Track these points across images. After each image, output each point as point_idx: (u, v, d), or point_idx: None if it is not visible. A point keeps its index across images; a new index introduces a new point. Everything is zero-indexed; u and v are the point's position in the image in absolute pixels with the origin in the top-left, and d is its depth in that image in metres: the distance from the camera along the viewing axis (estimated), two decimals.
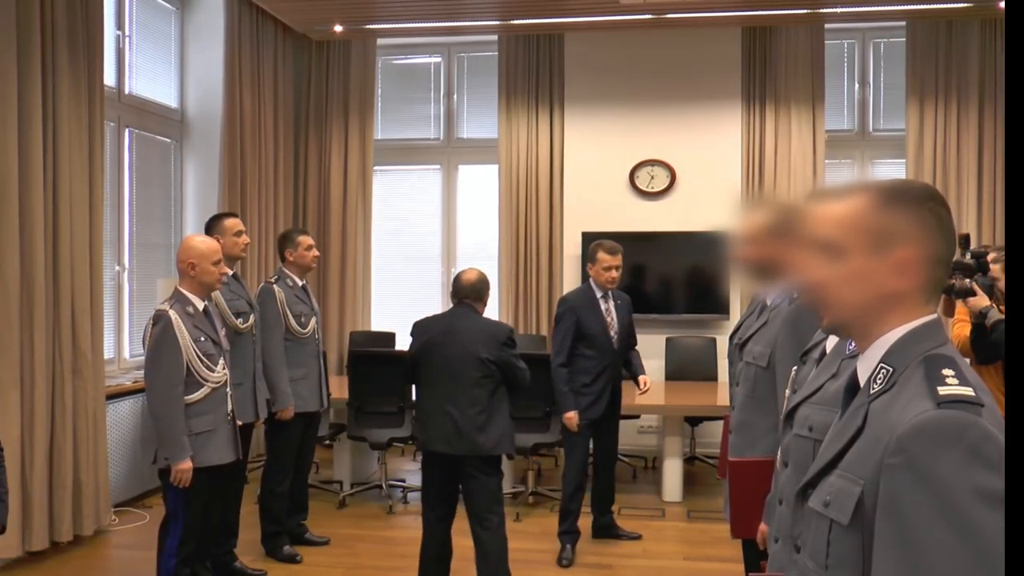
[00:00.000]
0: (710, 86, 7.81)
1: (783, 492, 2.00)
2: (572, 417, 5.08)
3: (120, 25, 6.40)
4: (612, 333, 5.22)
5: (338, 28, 7.79)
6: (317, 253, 5.29)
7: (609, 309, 5.24)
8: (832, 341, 2.06)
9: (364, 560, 5.14)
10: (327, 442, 6.61)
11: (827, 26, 7.63)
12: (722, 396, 6.35)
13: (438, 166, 8.53)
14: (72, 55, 5.20)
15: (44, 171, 4.98)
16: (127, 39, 6.49)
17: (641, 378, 5.43)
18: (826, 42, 7.65)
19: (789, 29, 7.62)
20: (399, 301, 8.37)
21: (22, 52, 4.83)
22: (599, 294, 5.22)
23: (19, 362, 4.85)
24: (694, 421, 7.12)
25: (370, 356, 6.35)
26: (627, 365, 5.44)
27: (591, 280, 5.25)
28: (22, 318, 4.86)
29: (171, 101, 7.15)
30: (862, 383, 1.44)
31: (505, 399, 4.22)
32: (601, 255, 5.16)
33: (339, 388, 6.28)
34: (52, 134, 5.06)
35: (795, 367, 2.31)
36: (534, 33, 7.93)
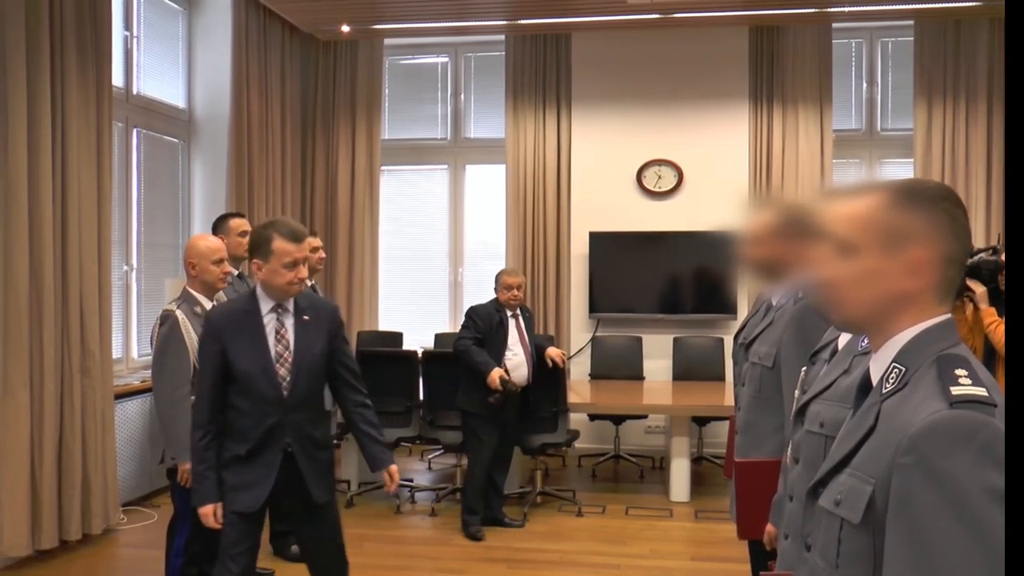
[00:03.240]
0: (717, 86, 7.80)
1: (793, 489, 2.00)
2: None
3: (128, 26, 6.42)
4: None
5: (345, 28, 7.80)
6: (323, 255, 5.27)
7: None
8: (845, 339, 2.06)
9: (371, 560, 5.14)
10: (335, 441, 6.60)
11: (835, 25, 7.61)
12: (729, 396, 6.32)
13: (445, 166, 8.54)
14: (80, 56, 5.21)
15: (53, 171, 5.01)
16: (135, 40, 6.51)
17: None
18: (834, 41, 7.64)
19: (797, 28, 7.61)
20: (406, 301, 8.38)
21: (31, 53, 4.86)
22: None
23: (28, 362, 4.87)
24: (701, 421, 7.12)
25: (377, 356, 6.36)
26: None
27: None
28: (31, 318, 4.88)
29: (179, 101, 7.16)
30: (875, 382, 1.44)
31: None
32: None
33: None
34: (61, 134, 5.08)
35: (804, 368, 2.31)
36: (541, 33, 7.93)
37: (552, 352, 5.84)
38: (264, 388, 3.20)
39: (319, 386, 3.41)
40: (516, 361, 5.67)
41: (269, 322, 3.24)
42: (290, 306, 3.30)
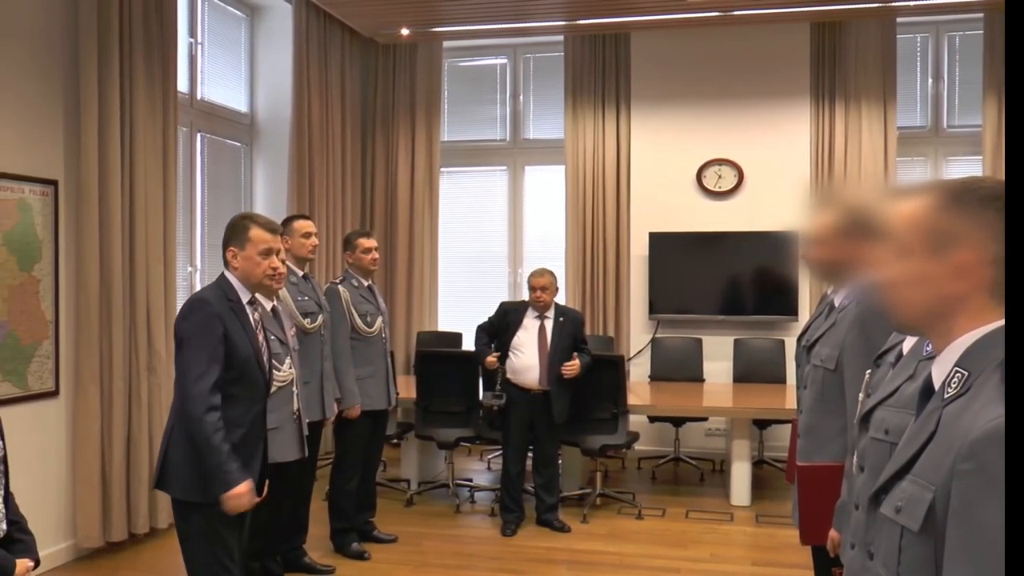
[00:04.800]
0: (778, 83, 7.70)
1: (859, 497, 1.97)
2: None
3: (193, 33, 6.55)
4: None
5: (405, 31, 7.86)
6: (376, 256, 5.28)
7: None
8: (910, 342, 2.02)
9: (431, 558, 5.18)
10: (395, 441, 6.67)
11: (899, 20, 7.45)
12: (791, 399, 6.25)
13: (504, 167, 8.56)
14: (148, 63, 5.34)
15: (121, 175, 5.15)
16: (199, 46, 6.64)
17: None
18: (898, 36, 7.47)
19: (859, 23, 7.47)
20: (465, 302, 8.42)
21: (102, 61, 5.01)
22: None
23: (99, 359, 5.03)
24: (762, 424, 7.02)
25: (437, 356, 6.39)
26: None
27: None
28: (101, 317, 5.04)
29: (241, 106, 7.29)
30: (936, 386, 1.41)
31: None
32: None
33: (406, 388, 6.33)
34: (129, 139, 5.22)
35: (869, 371, 2.26)
36: (600, 33, 7.90)
37: (565, 368, 5.63)
38: (255, 375, 3.22)
39: None
40: (523, 363, 5.63)
41: (251, 313, 3.28)
42: (258, 299, 3.38)
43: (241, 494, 3.03)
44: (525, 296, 5.81)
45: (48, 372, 4.91)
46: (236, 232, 3.29)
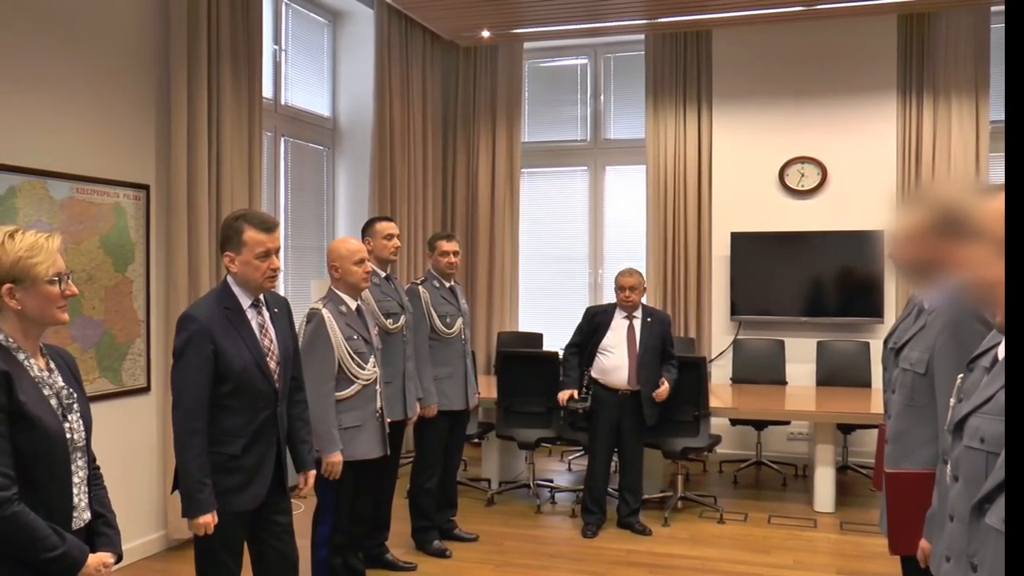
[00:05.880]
0: (863, 78, 7.52)
1: (954, 508, 1.90)
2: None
3: (277, 40, 6.69)
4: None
5: (485, 34, 7.89)
6: (454, 260, 5.22)
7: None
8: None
9: (513, 558, 5.19)
10: (476, 440, 6.71)
11: (993, 9, 7.18)
12: (875, 403, 6.10)
13: (585, 168, 8.54)
14: (234, 71, 5.48)
15: (209, 179, 5.29)
16: (283, 53, 6.78)
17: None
18: (991, 26, 7.22)
19: (950, 14, 7.24)
20: (546, 302, 8.42)
21: (191, 71, 5.16)
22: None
23: None
24: (846, 428, 6.87)
25: (518, 356, 6.40)
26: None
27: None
28: None
29: (324, 110, 7.41)
30: None
31: None
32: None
33: (487, 387, 6.36)
34: (216, 145, 5.36)
35: (961, 375, 2.19)
36: (681, 31, 7.83)
37: (656, 395, 5.61)
38: (259, 383, 3.13)
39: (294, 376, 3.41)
40: (612, 363, 5.60)
41: (253, 318, 3.17)
42: (262, 300, 3.25)
43: (200, 524, 3.02)
44: (605, 297, 5.78)
45: (140, 369, 5.08)
46: (230, 235, 3.16)
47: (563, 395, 5.62)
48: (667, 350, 5.71)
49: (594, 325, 5.69)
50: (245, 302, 3.17)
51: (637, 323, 5.65)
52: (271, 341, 3.22)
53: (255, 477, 3.16)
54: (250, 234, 3.13)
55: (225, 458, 3.09)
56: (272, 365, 3.18)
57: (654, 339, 5.64)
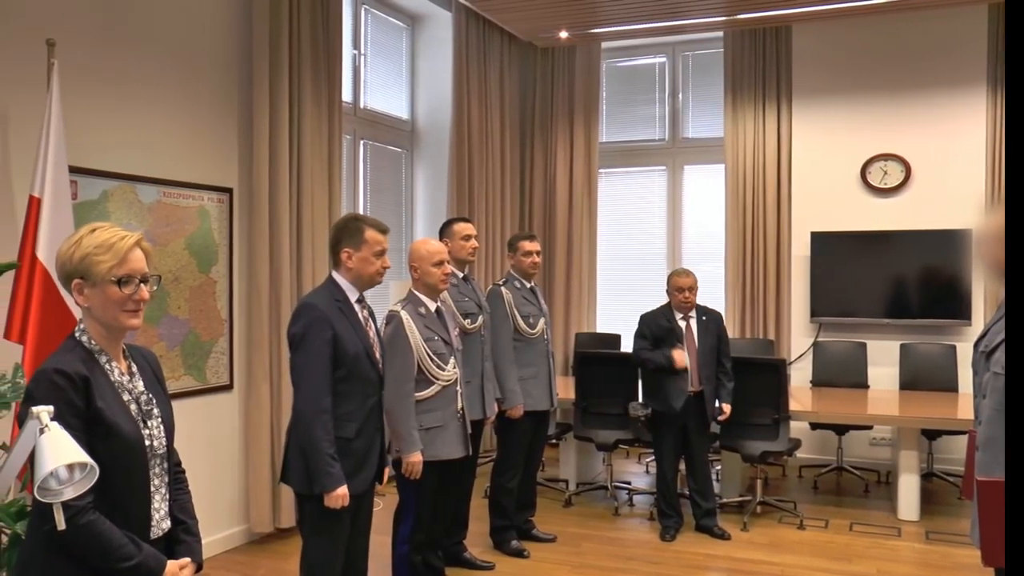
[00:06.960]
0: (950, 72, 7.31)
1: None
2: None
3: (356, 44, 6.79)
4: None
5: (563, 34, 7.89)
6: (536, 260, 5.27)
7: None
8: None
9: (590, 560, 5.19)
10: (554, 441, 6.72)
11: None
12: (963, 408, 5.92)
13: (663, 167, 8.48)
14: (315, 76, 5.58)
15: (290, 182, 5.41)
16: (362, 57, 6.87)
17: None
18: None
19: None
20: (624, 303, 8.39)
21: (273, 77, 5.28)
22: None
23: (268, 357, 5.31)
24: (932, 434, 6.65)
25: (596, 357, 6.38)
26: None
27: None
28: (270, 317, 5.31)
29: (402, 113, 7.50)
30: None
31: None
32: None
33: (565, 388, 6.36)
34: (297, 149, 5.47)
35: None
36: (760, 27, 7.71)
37: (720, 419, 5.63)
38: (368, 370, 3.36)
39: None
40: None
41: (359, 311, 3.41)
42: (364, 297, 3.49)
43: (337, 496, 3.21)
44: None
45: (223, 367, 5.21)
46: (350, 233, 3.42)
47: (678, 355, 5.44)
48: (722, 349, 5.64)
49: (658, 327, 5.58)
50: (352, 296, 3.41)
51: (694, 323, 5.59)
52: (374, 334, 3.46)
53: (364, 462, 3.38)
54: (370, 233, 3.41)
55: (341, 441, 3.29)
56: (376, 355, 3.42)
57: (712, 338, 5.60)
